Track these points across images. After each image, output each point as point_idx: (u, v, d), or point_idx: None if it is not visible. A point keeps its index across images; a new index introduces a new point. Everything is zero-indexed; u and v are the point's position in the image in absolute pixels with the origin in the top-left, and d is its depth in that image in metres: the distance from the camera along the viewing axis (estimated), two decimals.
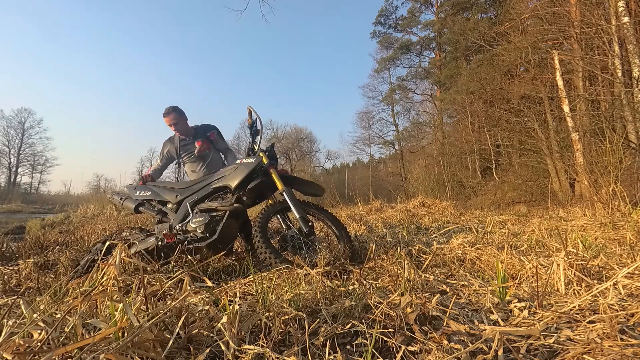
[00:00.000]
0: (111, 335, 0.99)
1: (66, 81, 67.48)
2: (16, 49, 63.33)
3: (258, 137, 2.68)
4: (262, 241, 2.13)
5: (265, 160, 2.47)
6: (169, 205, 2.69)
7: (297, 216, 2.26)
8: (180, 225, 2.41)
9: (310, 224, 2.26)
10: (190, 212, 2.46)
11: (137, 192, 2.84)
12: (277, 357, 1.00)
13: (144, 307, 1.17)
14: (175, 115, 3.26)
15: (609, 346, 1.00)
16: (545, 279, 1.62)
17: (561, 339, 1.09)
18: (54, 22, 64.81)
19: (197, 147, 3.27)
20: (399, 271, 1.75)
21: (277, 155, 2.77)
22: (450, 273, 1.99)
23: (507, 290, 1.49)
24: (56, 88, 67.87)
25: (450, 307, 1.28)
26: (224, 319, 1.10)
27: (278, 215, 2.50)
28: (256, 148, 2.60)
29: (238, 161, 2.55)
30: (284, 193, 2.35)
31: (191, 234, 2.32)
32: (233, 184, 2.39)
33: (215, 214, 2.36)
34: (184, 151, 3.33)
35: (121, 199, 2.94)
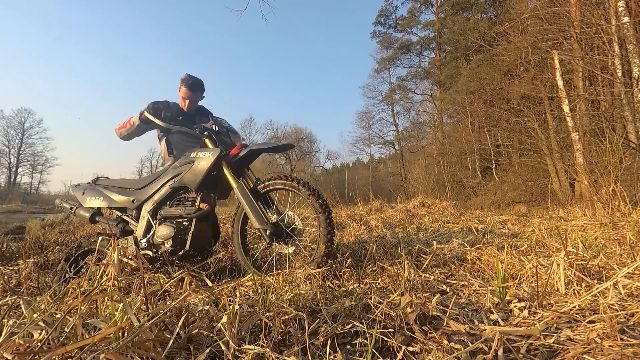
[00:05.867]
0: (111, 335, 0.99)
1: (65, 80, 67.61)
2: (16, 49, 63.42)
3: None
4: (236, 246, 2.10)
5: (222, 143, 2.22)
6: (129, 212, 2.43)
7: (258, 227, 1.99)
8: (145, 239, 2.19)
9: (269, 232, 1.97)
10: (152, 221, 2.22)
11: (88, 199, 2.51)
12: (277, 357, 1.00)
13: (144, 307, 1.17)
14: (200, 94, 2.75)
15: (609, 346, 1.00)
16: (545, 279, 1.62)
17: (561, 339, 1.09)
18: (53, 21, 64.88)
19: (199, 122, 2.67)
20: (399, 271, 1.75)
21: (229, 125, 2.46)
22: (450, 273, 1.99)
23: (507, 290, 1.49)
24: (55, 87, 67.99)
25: (450, 307, 1.28)
26: (224, 319, 1.10)
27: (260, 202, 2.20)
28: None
29: (193, 153, 2.20)
30: (236, 192, 2.09)
31: (160, 248, 2.14)
32: (193, 185, 2.14)
33: (181, 220, 2.16)
34: (177, 121, 2.65)
35: (72, 207, 2.61)
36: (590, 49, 9.59)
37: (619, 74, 7.87)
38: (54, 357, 0.87)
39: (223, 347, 1.02)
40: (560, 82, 10.36)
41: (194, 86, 2.69)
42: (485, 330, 1.13)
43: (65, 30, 66.50)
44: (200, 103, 2.94)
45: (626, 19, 7.51)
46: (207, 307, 1.25)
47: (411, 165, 24.56)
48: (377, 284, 1.76)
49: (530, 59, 11.44)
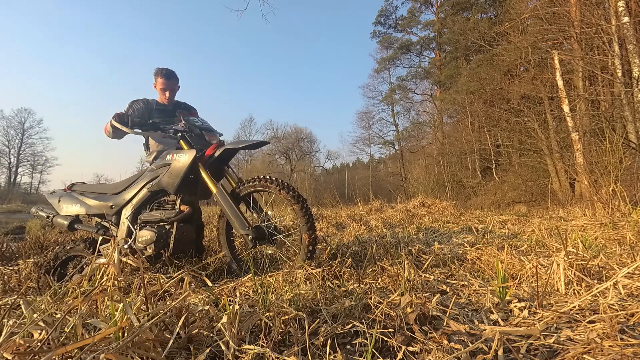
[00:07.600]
0: (111, 335, 0.98)
1: (65, 80, 67.58)
2: (16, 49, 63.39)
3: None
4: (224, 247, 2.11)
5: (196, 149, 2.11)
6: (108, 217, 2.36)
7: (241, 232, 1.95)
8: (126, 245, 2.13)
9: (251, 237, 1.93)
10: (132, 227, 2.16)
11: (64, 207, 2.43)
12: (277, 357, 1.00)
13: (144, 307, 1.17)
14: (175, 82, 2.82)
15: (609, 346, 1.00)
16: (545, 279, 1.62)
17: (561, 339, 1.09)
18: (53, 21, 64.85)
19: (180, 117, 2.59)
20: (399, 271, 1.75)
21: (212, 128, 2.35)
22: (450, 273, 1.99)
23: (507, 290, 1.49)
24: (56, 87, 67.97)
25: (450, 307, 1.28)
26: (224, 319, 1.10)
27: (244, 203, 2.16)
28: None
29: (169, 155, 2.14)
30: (216, 197, 2.04)
31: (142, 253, 2.06)
32: (172, 188, 2.07)
33: (162, 224, 2.12)
34: (159, 115, 2.68)
35: (48, 216, 2.52)
36: (590, 49, 9.59)
37: (619, 74, 7.87)
38: (54, 357, 0.87)
39: (223, 347, 1.02)
40: (560, 82, 10.36)
41: (169, 74, 2.77)
42: (485, 330, 1.13)
43: (65, 30, 66.40)
44: (187, 102, 3.01)
45: (626, 19, 7.50)
46: (207, 307, 1.25)
47: (411, 165, 24.55)
48: (377, 284, 1.76)
49: (530, 59, 11.44)
